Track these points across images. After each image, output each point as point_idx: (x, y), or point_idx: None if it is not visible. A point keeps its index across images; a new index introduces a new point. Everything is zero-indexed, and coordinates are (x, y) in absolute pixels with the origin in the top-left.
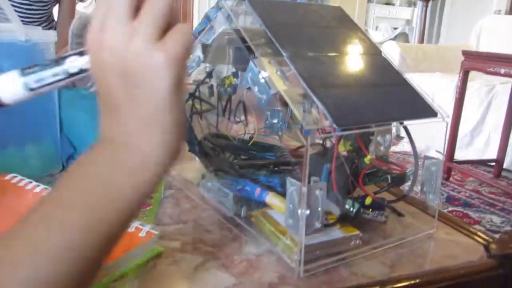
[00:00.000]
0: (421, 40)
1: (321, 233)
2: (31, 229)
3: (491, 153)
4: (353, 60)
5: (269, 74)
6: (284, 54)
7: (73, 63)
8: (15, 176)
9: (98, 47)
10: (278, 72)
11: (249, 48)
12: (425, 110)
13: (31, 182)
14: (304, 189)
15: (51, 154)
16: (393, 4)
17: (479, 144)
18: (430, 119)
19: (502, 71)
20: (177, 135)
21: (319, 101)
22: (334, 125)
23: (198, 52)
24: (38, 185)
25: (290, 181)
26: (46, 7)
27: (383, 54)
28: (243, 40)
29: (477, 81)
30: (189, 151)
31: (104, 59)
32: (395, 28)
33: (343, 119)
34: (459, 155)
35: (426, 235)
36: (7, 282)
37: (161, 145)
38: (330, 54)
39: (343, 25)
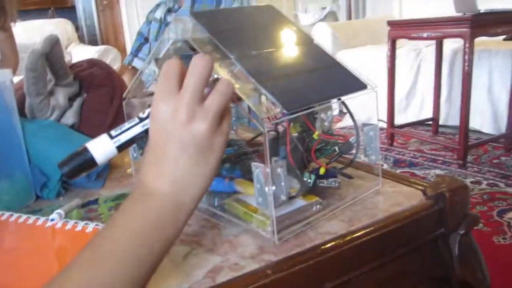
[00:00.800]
0: (349, 17)
1: (287, 205)
2: (83, 269)
3: (427, 113)
4: (290, 52)
5: (222, 76)
6: (231, 56)
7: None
8: None
9: (156, 119)
10: (229, 73)
11: None
12: (357, 85)
13: (12, 215)
14: (268, 169)
15: (24, 186)
16: None
17: (415, 107)
18: (362, 92)
19: (425, 34)
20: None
21: (268, 92)
22: (284, 111)
23: (153, 67)
24: (20, 216)
25: (254, 165)
26: None
27: (314, 42)
28: (193, 49)
29: (405, 48)
30: None
31: (162, 126)
32: (324, 8)
33: (290, 105)
34: (399, 119)
35: (374, 191)
36: None
37: (199, 199)
38: (270, 50)
39: (277, 22)
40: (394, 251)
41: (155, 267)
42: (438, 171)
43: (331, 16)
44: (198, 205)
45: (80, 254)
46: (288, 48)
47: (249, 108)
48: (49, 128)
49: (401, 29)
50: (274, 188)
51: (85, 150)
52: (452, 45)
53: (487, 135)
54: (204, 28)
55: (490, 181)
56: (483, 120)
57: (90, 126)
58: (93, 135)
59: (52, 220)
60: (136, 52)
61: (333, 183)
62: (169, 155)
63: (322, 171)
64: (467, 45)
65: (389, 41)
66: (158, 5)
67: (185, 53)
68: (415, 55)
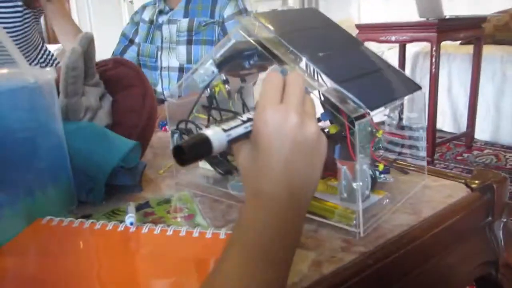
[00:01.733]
0: None
1: (368, 199)
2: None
3: None
4: (349, 54)
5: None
6: (304, 58)
7: (249, 124)
8: (52, 219)
9: (267, 123)
10: (305, 74)
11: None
12: (413, 86)
13: (64, 220)
14: (357, 166)
15: (67, 191)
16: None
17: (416, 108)
18: (417, 93)
19: (393, 38)
20: None
21: (350, 92)
22: (367, 110)
23: (211, 67)
24: (73, 221)
25: (340, 162)
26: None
27: (364, 45)
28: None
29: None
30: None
31: (275, 130)
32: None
33: (372, 104)
34: None
35: (423, 185)
36: None
37: (311, 199)
38: (332, 52)
39: (327, 25)
40: (457, 239)
41: (289, 267)
42: None
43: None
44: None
45: (223, 265)
46: (346, 51)
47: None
48: (89, 130)
49: (370, 33)
50: (361, 184)
51: (207, 138)
52: (413, 49)
53: (448, 133)
54: (271, 30)
55: None
56: (444, 120)
57: (124, 127)
58: (127, 135)
59: (131, 224)
60: (121, 54)
61: (389, 179)
62: (283, 157)
63: (381, 167)
64: (434, 48)
65: None
66: (144, 7)
67: (245, 52)
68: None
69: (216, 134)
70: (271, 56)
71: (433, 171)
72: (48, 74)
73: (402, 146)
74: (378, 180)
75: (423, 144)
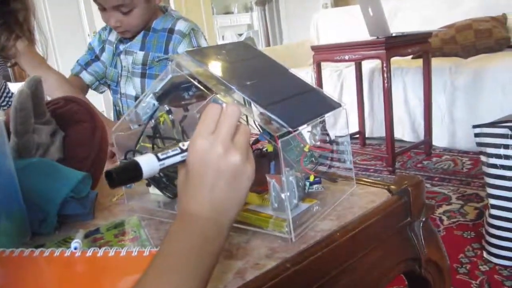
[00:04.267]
0: (268, 43)
1: (297, 207)
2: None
3: (353, 128)
4: (275, 80)
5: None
6: (232, 87)
7: (186, 154)
8: (3, 251)
9: (196, 152)
10: (235, 102)
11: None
12: (334, 104)
13: (15, 251)
14: (284, 179)
15: (20, 223)
16: (232, 13)
17: (342, 122)
18: (338, 109)
19: (347, 57)
20: None
21: (273, 114)
22: (290, 129)
23: (152, 100)
24: (23, 250)
25: (269, 176)
26: None
27: (290, 70)
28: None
29: (327, 70)
30: (148, 185)
31: (201, 158)
32: (240, 35)
33: (294, 122)
34: None
35: (350, 193)
36: None
37: (234, 219)
38: (259, 80)
39: (255, 56)
40: (376, 239)
41: (208, 278)
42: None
43: (250, 42)
44: (233, 223)
45: (146, 276)
46: (272, 78)
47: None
48: (40, 165)
49: (325, 53)
50: (288, 194)
51: (137, 164)
52: (369, 65)
53: (408, 142)
54: (202, 64)
55: None
56: (404, 130)
57: (75, 160)
58: (78, 168)
59: (75, 248)
60: (86, 66)
61: (320, 188)
62: (208, 183)
63: (311, 178)
64: (384, 64)
65: (314, 64)
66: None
67: (183, 85)
68: (337, 75)
69: (148, 161)
70: (205, 88)
71: (361, 180)
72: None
73: (332, 159)
74: (310, 190)
75: (349, 153)
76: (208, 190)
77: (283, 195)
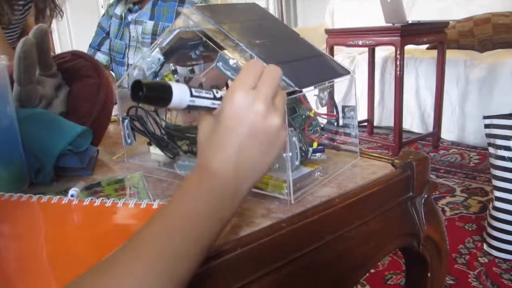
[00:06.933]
0: None
1: (298, 170)
2: (132, 256)
3: (362, 115)
4: (286, 42)
5: (236, 61)
6: (241, 44)
7: (217, 103)
8: (2, 195)
9: (232, 104)
10: (242, 59)
11: (207, 45)
12: (343, 70)
13: (13, 196)
14: (287, 137)
15: (19, 172)
16: None
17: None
18: (346, 77)
19: (360, 42)
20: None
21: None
22: (297, 88)
23: (157, 55)
24: (22, 195)
25: None
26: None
27: (300, 36)
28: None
29: (340, 55)
30: (149, 144)
31: (237, 112)
32: None
33: (301, 83)
34: None
35: (353, 164)
36: None
37: (253, 187)
38: (269, 40)
39: (267, 17)
40: (375, 210)
41: (211, 245)
42: None
43: None
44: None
45: (148, 227)
46: (282, 40)
47: None
48: (41, 116)
49: (338, 37)
50: (290, 154)
51: (169, 88)
52: (382, 53)
53: (416, 134)
54: (212, 21)
55: None
56: (412, 121)
57: (77, 115)
58: (80, 123)
59: (72, 196)
60: (98, 46)
61: (323, 156)
62: (238, 140)
63: (315, 145)
64: (398, 52)
65: (327, 48)
66: (118, 0)
67: (190, 42)
68: (350, 61)
69: (180, 90)
70: (213, 44)
71: (364, 152)
72: (0, 60)
73: (336, 132)
74: (313, 157)
75: (355, 123)
76: (237, 148)
77: (284, 155)
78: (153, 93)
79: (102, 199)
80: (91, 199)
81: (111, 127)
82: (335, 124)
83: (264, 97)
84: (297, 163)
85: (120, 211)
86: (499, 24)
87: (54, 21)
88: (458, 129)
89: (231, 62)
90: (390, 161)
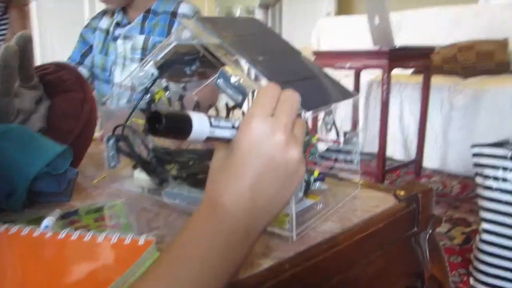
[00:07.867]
0: None
1: (301, 203)
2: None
3: None
4: (288, 60)
5: (239, 78)
6: (244, 59)
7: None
8: None
9: (250, 133)
10: (245, 76)
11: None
12: (347, 93)
13: None
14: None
15: None
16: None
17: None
18: (350, 99)
19: (348, 65)
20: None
21: None
22: (304, 110)
23: (151, 69)
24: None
25: None
26: None
27: (302, 54)
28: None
29: None
30: (134, 168)
31: (255, 142)
32: None
33: (308, 105)
34: (320, 146)
35: (354, 196)
36: None
37: (270, 222)
38: (270, 56)
39: (268, 33)
40: (380, 248)
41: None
42: None
43: None
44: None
45: (149, 279)
46: (284, 57)
47: None
48: (16, 133)
49: (326, 59)
50: None
51: (189, 119)
52: (367, 77)
53: (398, 161)
54: (214, 33)
55: None
56: (395, 147)
57: (58, 132)
58: (61, 141)
59: (46, 227)
60: (81, 59)
61: (324, 187)
62: (255, 173)
63: (316, 173)
64: (385, 75)
65: None
66: (103, 13)
67: (187, 57)
68: None
69: (200, 121)
70: (212, 59)
71: (366, 183)
72: None
73: (336, 160)
74: (313, 188)
75: (357, 150)
76: (253, 182)
77: None
78: (173, 124)
79: (80, 232)
80: (67, 232)
81: (90, 147)
82: (336, 150)
83: (284, 126)
84: (300, 194)
85: (100, 247)
86: (481, 52)
87: (36, 32)
88: (440, 157)
89: (233, 79)
90: (391, 193)
